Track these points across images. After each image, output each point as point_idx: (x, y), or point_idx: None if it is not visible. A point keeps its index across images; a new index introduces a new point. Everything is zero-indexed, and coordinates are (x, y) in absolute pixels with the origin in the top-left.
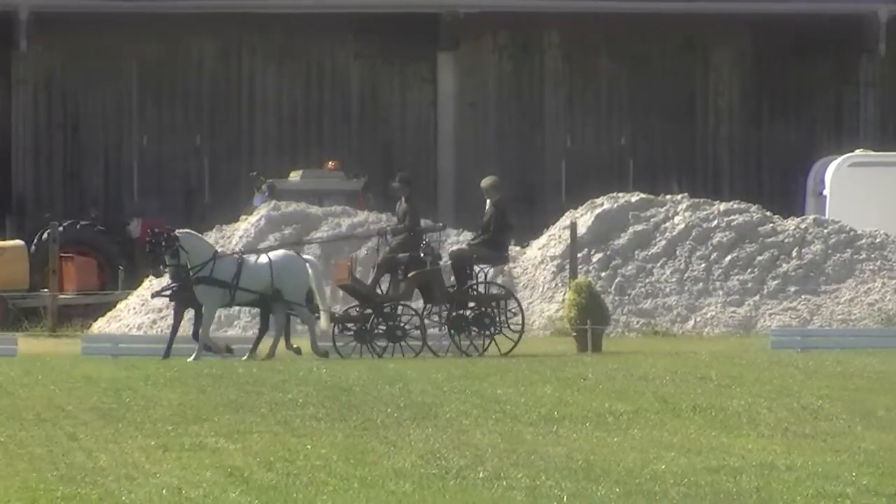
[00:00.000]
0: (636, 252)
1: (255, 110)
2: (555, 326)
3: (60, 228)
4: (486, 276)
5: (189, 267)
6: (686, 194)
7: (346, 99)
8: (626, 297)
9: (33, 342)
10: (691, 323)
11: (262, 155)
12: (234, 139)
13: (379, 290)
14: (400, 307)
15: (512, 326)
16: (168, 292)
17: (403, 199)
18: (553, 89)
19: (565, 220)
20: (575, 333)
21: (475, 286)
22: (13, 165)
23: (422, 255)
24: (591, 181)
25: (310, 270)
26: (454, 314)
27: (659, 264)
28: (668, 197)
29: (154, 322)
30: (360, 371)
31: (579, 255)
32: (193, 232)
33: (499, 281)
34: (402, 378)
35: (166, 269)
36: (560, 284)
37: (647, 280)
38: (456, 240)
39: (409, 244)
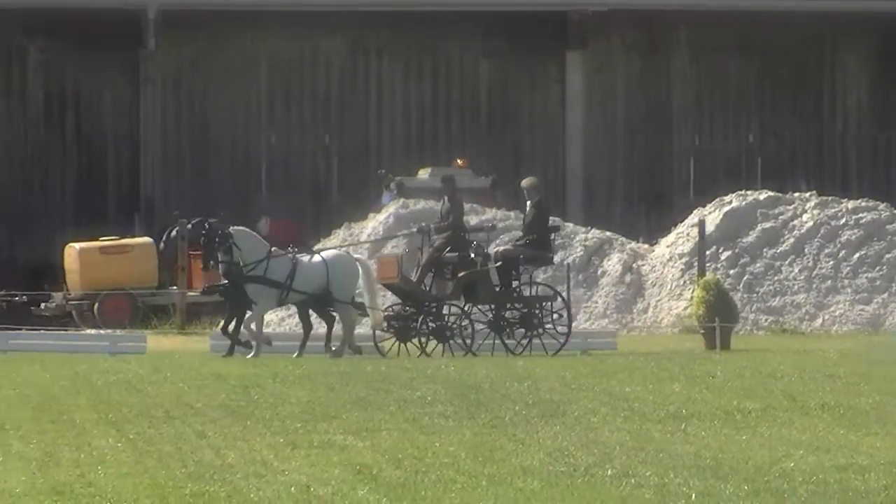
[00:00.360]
0: (764, 250)
1: (383, 109)
2: (683, 324)
3: (189, 226)
4: (531, 276)
5: (242, 264)
6: (814, 192)
7: (474, 97)
8: (755, 295)
9: (162, 339)
10: (819, 321)
11: (389, 153)
12: (361, 138)
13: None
14: (446, 307)
15: (559, 328)
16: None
17: (446, 198)
18: (681, 88)
19: (693, 218)
20: (703, 331)
21: (520, 287)
22: (141, 163)
23: (472, 255)
24: (720, 179)
25: (360, 270)
26: (500, 313)
27: (787, 262)
28: (797, 195)
29: (283, 319)
30: (489, 369)
31: (707, 252)
32: (248, 230)
33: (546, 279)
34: (531, 376)
35: (218, 266)
36: (688, 282)
37: (776, 278)
38: (584, 237)
39: (456, 244)
